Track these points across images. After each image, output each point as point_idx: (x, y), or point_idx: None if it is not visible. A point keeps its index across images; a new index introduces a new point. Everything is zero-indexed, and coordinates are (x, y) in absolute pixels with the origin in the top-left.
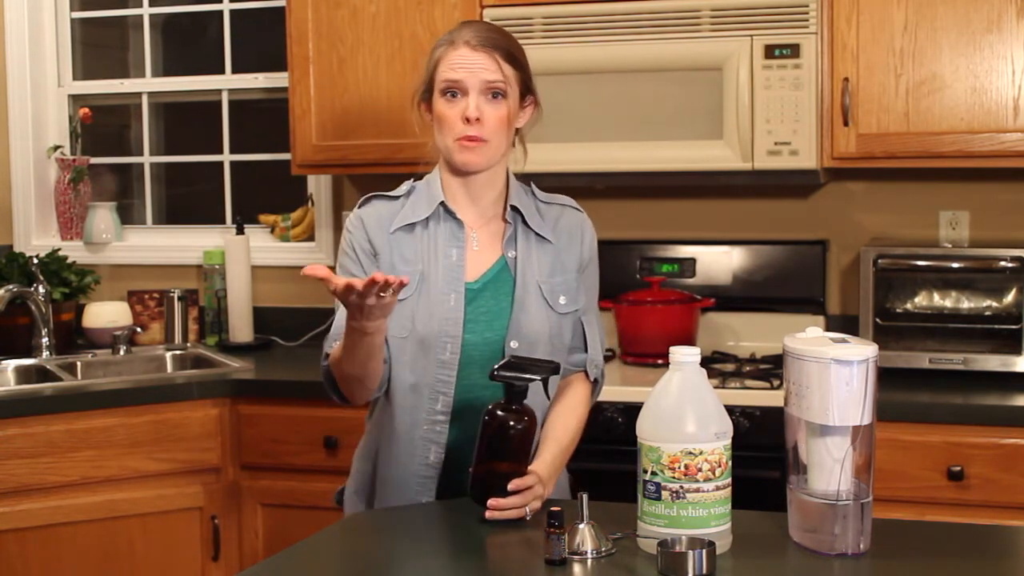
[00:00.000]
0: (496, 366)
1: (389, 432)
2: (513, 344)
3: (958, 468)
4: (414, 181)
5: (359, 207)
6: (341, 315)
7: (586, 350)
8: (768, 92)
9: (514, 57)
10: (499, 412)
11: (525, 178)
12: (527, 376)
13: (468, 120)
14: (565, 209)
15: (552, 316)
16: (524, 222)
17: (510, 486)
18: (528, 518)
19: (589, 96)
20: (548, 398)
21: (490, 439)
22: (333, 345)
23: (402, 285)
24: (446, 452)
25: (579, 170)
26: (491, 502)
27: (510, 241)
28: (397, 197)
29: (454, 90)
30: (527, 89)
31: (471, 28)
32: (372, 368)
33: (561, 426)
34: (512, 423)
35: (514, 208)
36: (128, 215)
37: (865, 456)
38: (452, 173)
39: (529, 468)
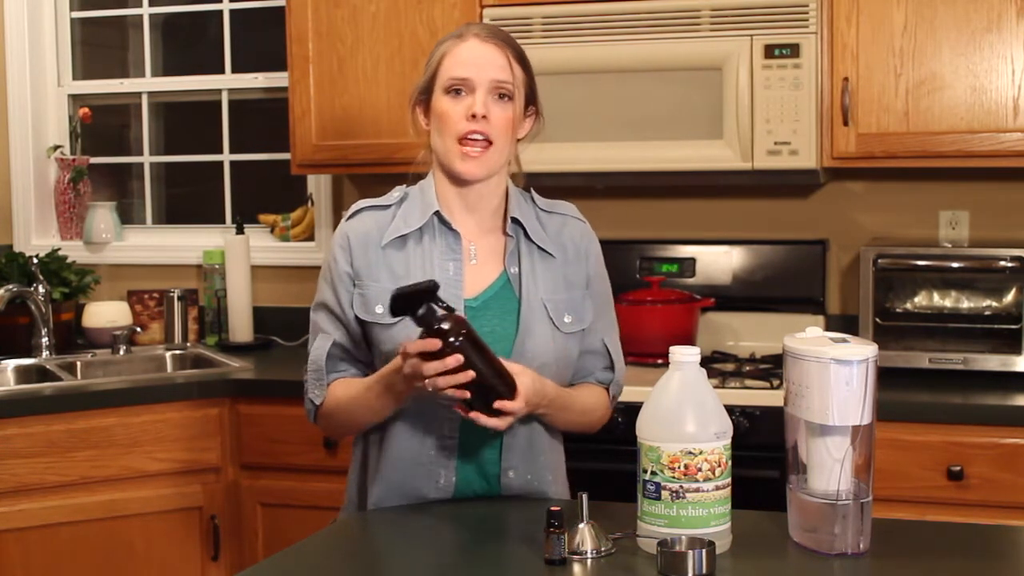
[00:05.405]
0: (383, 310)
1: (392, 461)
2: None
3: (958, 468)
4: (407, 186)
5: (347, 219)
6: (320, 345)
7: (614, 370)
8: (768, 92)
9: (524, 59)
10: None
11: (525, 180)
12: (419, 303)
13: (474, 116)
14: (567, 220)
15: (558, 336)
16: (526, 235)
17: (496, 405)
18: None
19: (589, 96)
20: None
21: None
22: (322, 389)
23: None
24: (456, 474)
25: (579, 170)
26: (473, 414)
27: (512, 256)
28: (388, 206)
29: (459, 87)
30: (531, 97)
31: (478, 25)
32: (383, 415)
33: (582, 391)
34: (451, 340)
35: (515, 221)
36: (128, 215)
37: (865, 456)
38: (450, 181)
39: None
